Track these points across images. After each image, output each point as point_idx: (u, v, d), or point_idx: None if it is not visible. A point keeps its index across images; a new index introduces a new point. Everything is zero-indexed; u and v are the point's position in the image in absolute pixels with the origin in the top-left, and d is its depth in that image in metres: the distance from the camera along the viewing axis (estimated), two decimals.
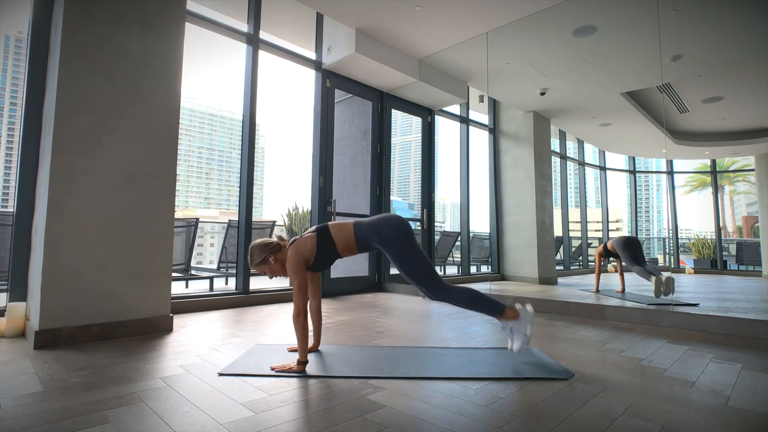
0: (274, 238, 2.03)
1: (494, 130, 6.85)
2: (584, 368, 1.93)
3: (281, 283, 4.59)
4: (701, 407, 1.47)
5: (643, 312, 3.13)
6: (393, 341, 2.45)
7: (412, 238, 1.95)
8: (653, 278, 4.01)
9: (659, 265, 6.80)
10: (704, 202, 6.48)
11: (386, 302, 4.03)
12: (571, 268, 6.77)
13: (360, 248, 1.98)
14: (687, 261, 6.69)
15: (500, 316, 1.96)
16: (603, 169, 6.73)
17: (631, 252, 4.45)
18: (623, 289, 4.58)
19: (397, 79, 4.77)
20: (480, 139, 6.86)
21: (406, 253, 1.91)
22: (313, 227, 2.02)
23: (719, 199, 6.44)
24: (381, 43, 4.43)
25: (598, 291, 4.69)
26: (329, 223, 2.03)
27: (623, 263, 4.55)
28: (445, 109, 5.91)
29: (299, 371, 1.80)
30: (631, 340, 2.55)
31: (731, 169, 6.67)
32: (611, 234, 6.48)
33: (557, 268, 6.47)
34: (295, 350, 2.11)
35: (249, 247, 2.02)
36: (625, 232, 6.55)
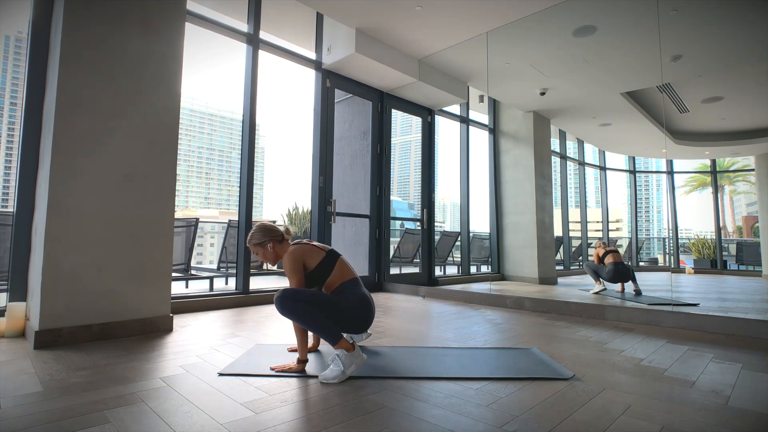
0: (281, 227, 2.04)
1: (494, 130, 6.85)
2: (584, 368, 1.93)
3: (281, 283, 4.59)
4: (701, 407, 1.47)
5: (643, 312, 3.13)
6: (393, 341, 2.45)
7: (353, 317, 1.92)
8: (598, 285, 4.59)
9: (659, 264, 6.80)
10: (704, 202, 6.48)
11: (386, 302, 4.03)
12: (571, 268, 6.77)
13: (332, 293, 1.96)
14: (687, 261, 6.69)
15: (334, 344, 1.76)
16: (603, 169, 6.74)
17: (613, 277, 4.62)
18: (623, 290, 4.59)
19: (397, 79, 4.77)
20: (480, 139, 6.86)
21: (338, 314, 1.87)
22: (325, 245, 2.03)
23: (719, 199, 6.44)
24: (381, 43, 4.43)
25: (597, 291, 4.70)
26: (341, 256, 2.05)
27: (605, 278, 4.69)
28: (445, 109, 5.91)
29: (299, 371, 1.80)
30: (631, 340, 2.55)
31: (731, 169, 6.68)
32: (611, 234, 6.48)
33: (557, 268, 6.47)
34: (295, 350, 2.11)
35: (255, 223, 2.01)
36: (626, 233, 6.56)
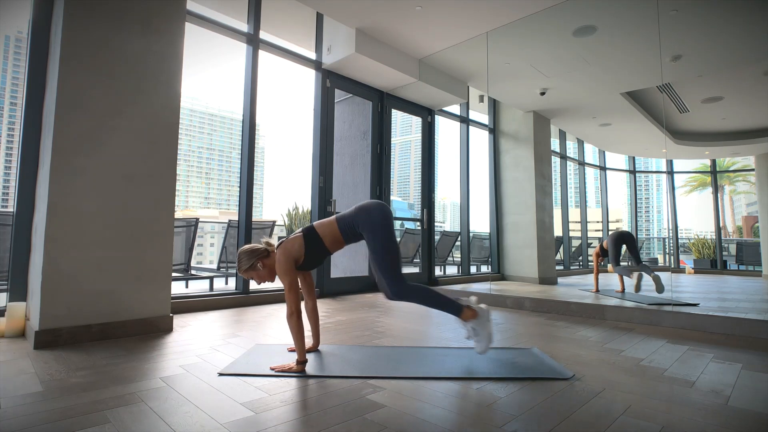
0: (262, 244, 2.02)
1: (494, 130, 6.85)
2: (584, 368, 1.93)
3: (281, 282, 4.59)
4: (701, 407, 1.47)
5: (643, 312, 3.13)
6: (393, 341, 2.45)
7: (389, 225, 1.98)
8: (634, 275, 4.18)
9: (659, 264, 6.80)
10: (704, 202, 6.48)
11: (386, 302, 4.03)
12: (571, 268, 6.77)
13: (346, 239, 2.00)
14: (687, 261, 6.69)
15: (459, 314, 1.95)
16: (603, 169, 6.73)
17: (615, 251, 4.54)
18: (623, 289, 4.59)
19: (397, 79, 4.77)
20: (480, 139, 6.87)
21: (386, 239, 1.94)
22: (300, 230, 2.04)
23: (719, 199, 6.44)
24: (381, 43, 4.43)
25: (597, 291, 4.69)
26: (314, 222, 2.05)
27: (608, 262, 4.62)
28: (445, 109, 5.91)
29: (299, 371, 1.80)
30: (631, 340, 2.55)
31: (731, 169, 6.68)
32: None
33: (557, 268, 6.47)
34: (295, 350, 2.11)
35: (237, 252, 2.01)
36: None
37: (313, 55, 4.57)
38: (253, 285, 3.88)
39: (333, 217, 2.03)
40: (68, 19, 2.40)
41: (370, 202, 2.02)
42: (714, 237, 6.40)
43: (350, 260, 5.05)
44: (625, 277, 4.48)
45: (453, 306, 1.95)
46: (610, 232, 4.58)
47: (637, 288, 4.08)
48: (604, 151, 6.81)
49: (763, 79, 4.75)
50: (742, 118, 5.62)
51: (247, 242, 3.73)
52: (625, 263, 4.57)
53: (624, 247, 4.53)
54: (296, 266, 1.95)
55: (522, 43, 4.54)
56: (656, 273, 4.11)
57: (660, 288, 3.96)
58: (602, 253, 4.70)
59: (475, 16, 3.94)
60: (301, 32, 4.64)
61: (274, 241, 2.06)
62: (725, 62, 4.58)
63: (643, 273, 4.18)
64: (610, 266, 5.54)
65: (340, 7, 3.84)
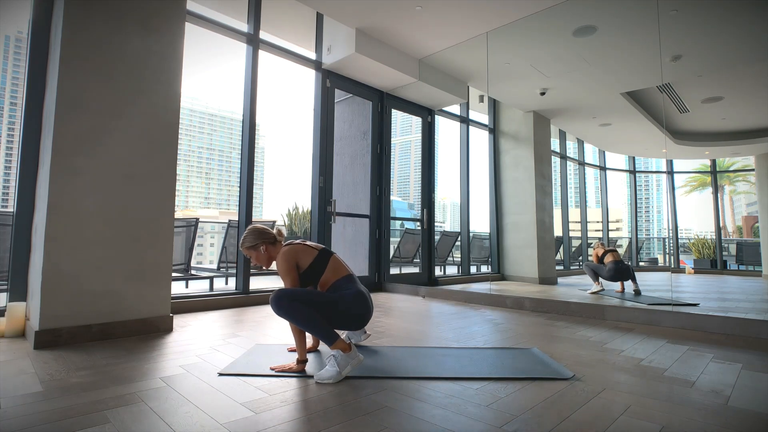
0: (274, 230, 2.04)
1: (494, 130, 6.85)
2: (584, 368, 1.93)
3: (281, 282, 4.59)
4: (701, 407, 1.47)
5: (643, 312, 3.13)
6: (393, 341, 2.45)
7: (349, 314, 1.89)
8: (597, 285, 4.54)
9: (659, 264, 6.81)
10: (704, 202, 6.48)
11: (386, 302, 4.03)
12: (571, 268, 6.77)
13: (327, 291, 1.95)
14: (687, 261, 6.69)
15: (330, 344, 1.76)
16: (603, 169, 6.73)
17: (612, 276, 4.61)
18: (623, 289, 4.59)
19: (397, 79, 4.77)
20: (480, 139, 6.86)
21: (335, 313, 1.86)
22: (317, 244, 2.04)
23: (719, 199, 6.44)
24: (381, 43, 4.43)
25: (597, 291, 4.70)
26: (334, 254, 2.05)
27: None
28: (445, 109, 5.91)
29: (299, 371, 1.80)
30: (631, 340, 2.55)
31: (731, 169, 6.68)
32: (611, 234, 6.48)
33: (557, 268, 6.47)
34: (295, 350, 2.11)
35: (247, 227, 2.01)
36: (626, 233, 6.56)
37: (313, 55, 4.57)
38: (254, 285, 3.88)
39: (347, 272, 2.00)
40: (68, 19, 2.40)
41: (358, 307, 1.89)
42: (714, 237, 6.40)
43: (350, 260, 5.05)
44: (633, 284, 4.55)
45: (328, 334, 1.77)
46: (612, 261, 4.62)
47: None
48: (604, 151, 6.82)
49: (763, 79, 4.75)
50: (742, 118, 5.62)
51: None
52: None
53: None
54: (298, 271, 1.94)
55: (522, 43, 4.54)
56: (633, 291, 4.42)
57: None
58: (601, 261, 4.73)
59: (475, 16, 3.95)
60: (301, 32, 4.64)
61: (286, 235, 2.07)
62: (725, 62, 4.58)
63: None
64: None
65: (340, 7, 3.84)
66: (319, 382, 1.70)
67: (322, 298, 1.86)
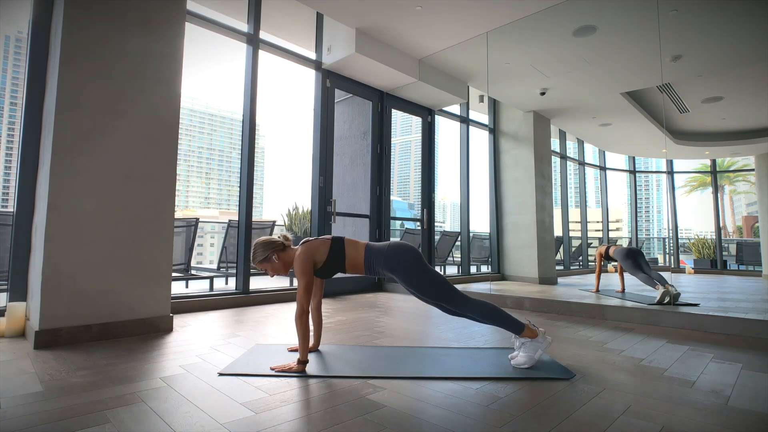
0: (279, 237, 2.04)
1: (494, 130, 6.85)
2: (584, 368, 1.93)
3: (281, 282, 4.59)
4: (701, 407, 1.47)
5: (643, 312, 3.13)
6: (393, 341, 2.45)
7: (422, 263, 1.95)
8: (660, 288, 3.82)
9: (659, 264, 6.80)
10: (704, 202, 6.49)
11: (386, 302, 4.03)
12: (571, 268, 6.77)
13: (366, 270, 1.99)
14: (687, 261, 6.70)
15: (518, 333, 1.93)
16: (603, 169, 6.73)
17: (633, 262, 4.38)
18: (623, 289, 4.59)
19: (397, 79, 4.77)
20: (480, 139, 6.87)
21: (418, 277, 1.92)
22: (329, 235, 2.03)
23: (719, 199, 6.45)
24: (381, 43, 4.43)
25: (598, 291, 4.70)
26: (345, 237, 2.04)
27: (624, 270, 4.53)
28: (445, 109, 5.90)
29: (299, 371, 1.80)
30: (631, 340, 2.55)
31: (731, 169, 6.68)
32: (611, 234, 6.48)
33: (557, 268, 6.47)
34: (295, 350, 2.11)
35: (253, 243, 2.02)
36: (626, 233, 6.56)
37: (313, 55, 4.57)
38: (254, 285, 3.88)
39: (365, 243, 2.02)
40: (68, 19, 2.39)
41: (395, 248, 1.97)
42: (714, 237, 6.40)
43: None
44: (647, 286, 4.33)
45: (514, 324, 1.93)
46: (620, 247, 4.49)
47: (661, 302, 3.93)
48: (604, 151, 6.81)
49: (763, 79, 4.75)
50: (742, 118, 5.62)
51: (247, 242, 3.73)
52: (646, 273, 4.43)
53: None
54: (314, 270, 1.94)
55: (522, 43, 4.54)
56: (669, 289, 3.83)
57: (661, 301, 3.82)
58: (606, 257, 4.67)
59: (475, 16, 3.94)
60: (301, 32, 4.64)
61: (290, 236, 2.08)
62: (725, 62, 4.58)
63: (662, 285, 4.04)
64: (610, 266, 5.52)
65: (340, 7, 3.84)
66: (516, 367, 1.90)
67: (434, 280, 1.94)
